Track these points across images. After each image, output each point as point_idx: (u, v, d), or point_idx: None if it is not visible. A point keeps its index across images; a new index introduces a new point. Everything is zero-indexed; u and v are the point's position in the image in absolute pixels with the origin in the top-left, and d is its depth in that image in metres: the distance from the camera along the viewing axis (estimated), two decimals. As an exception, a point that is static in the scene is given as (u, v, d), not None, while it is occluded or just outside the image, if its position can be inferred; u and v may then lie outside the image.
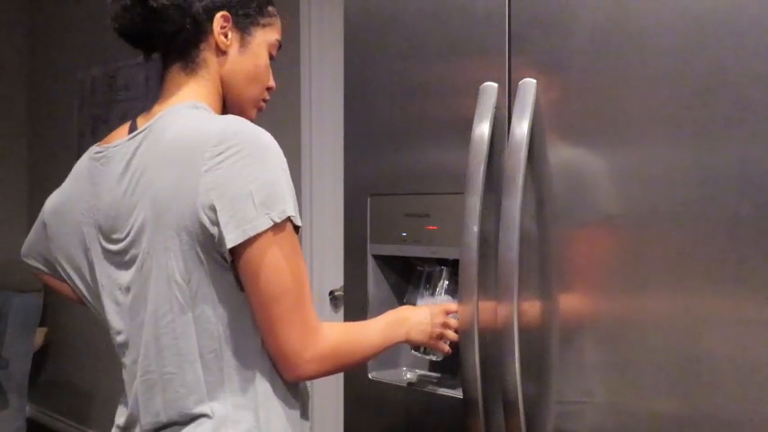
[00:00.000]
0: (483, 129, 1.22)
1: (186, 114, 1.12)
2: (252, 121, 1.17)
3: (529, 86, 1.18)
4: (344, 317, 1.52)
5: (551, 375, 1.17)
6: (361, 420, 1.51)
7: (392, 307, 1.32)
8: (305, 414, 1.16)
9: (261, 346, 1.09)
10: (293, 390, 1.14)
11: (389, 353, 1.32)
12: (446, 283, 1.36)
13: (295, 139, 2.81)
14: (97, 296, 1.20)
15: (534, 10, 1.19)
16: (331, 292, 2.73)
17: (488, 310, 1.23)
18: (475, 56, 1.28)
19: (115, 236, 1.14)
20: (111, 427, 1.22)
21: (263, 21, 1.21)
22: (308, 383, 1.19)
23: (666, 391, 1.05)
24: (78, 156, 1.28)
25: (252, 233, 1.02)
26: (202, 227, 1.04)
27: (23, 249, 1.34)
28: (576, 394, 1.15)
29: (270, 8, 1.23)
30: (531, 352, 1.18)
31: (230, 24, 1.17)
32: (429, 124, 1.36)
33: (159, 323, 1.09)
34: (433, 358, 1.36)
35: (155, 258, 1.08)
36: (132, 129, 1.17)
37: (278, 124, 2.75)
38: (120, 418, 1.20)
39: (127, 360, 1.16)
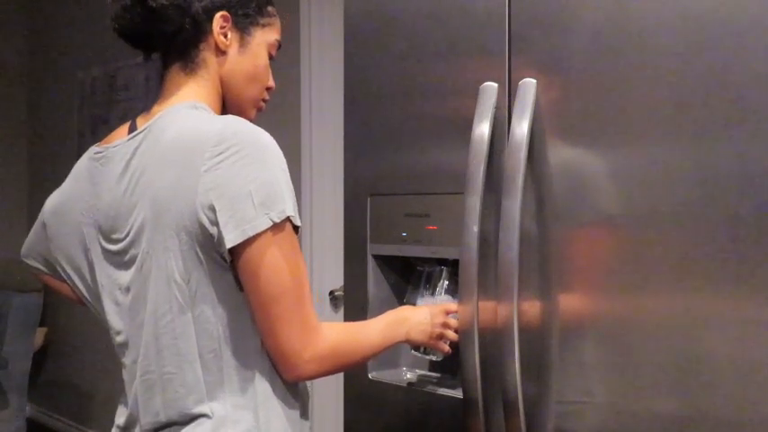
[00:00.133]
0: (483, 129, 1.22)
1: (186, 114, 1.12)
2: (251, 121, 1.17)
3: (529, 86, 1.18)
4: (344, 317, 1.52)
5: (551, 375, 1.17)
6: (361, 420, 1.51)
7: (392, 307, 1.32)
8: (305, 414, 1.16)
9: (260, 347, 1.09)
10: (293, 390, 1.14)
11: (389, 353, 1.32)
12: (446, 283, 1.36)
13: (295, 139, 2.81)
14: (97, 296, 1.20)
15: (534, 10, 1.19)
16: (331, 292, 2.73)
17: (488, 310, 1.23)
18: (475, 56, 1.28)
19: (115, 236, 1.14)
20: (111, 427, 1.22)
21: (262, 21, 1.21)
22: (308, 383, 1.19)
23: (666, 391, 1.05)
24: (78, 156, 1.28)
25: (251, 233, 1.02)
26: (202, 227, 1.04)
27: (23, 250, 1.34)
28: (576, 394, 1.15)
29: (269, 8, 1.23)
30: (531, 352, 1.18)
31: (230, 24, 1.18)
32: (429, 124, 1.36)
33: (159, 323, 1.09)
34: (434, 358, 1.36)
35: (154, 258, 1.08)
36: (132, 129, 1.17)
37: (278, 124, 2.75)
38: (120, 417, 1.20)
39: (127, 360, 1.16)
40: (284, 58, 1.30)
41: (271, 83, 1.26)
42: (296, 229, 1.08)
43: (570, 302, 1.16)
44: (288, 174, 1.08)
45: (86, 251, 1.21)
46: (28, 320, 3.92)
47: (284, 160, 1.08)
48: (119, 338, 1.17)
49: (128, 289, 1.13)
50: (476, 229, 1.21)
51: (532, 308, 1.19)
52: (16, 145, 4.76)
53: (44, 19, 4.66)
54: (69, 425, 4.38)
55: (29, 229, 1.31)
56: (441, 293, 1.36)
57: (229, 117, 1.11)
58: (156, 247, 1.08)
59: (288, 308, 1.06)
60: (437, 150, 1.34)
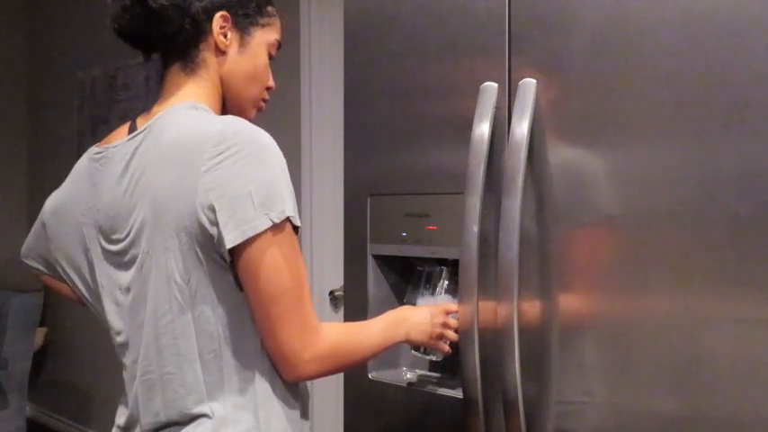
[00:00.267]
0: (483, 129, 1.22)
1: (185, 115, 1.12)
2: (251, 120, 1.17)
3: (529, 86, 1.18)
4: (344, 317, 1.52)
5: (551, 375, 1.17)
6: (361, 420, 1.51)
7: (392, 307, 1.32)
8: (305, 414, 1.16)
9: (260, 347, 1.09)
10: (293, 390, 1.14)
11: (389, 353, 1.32)
12: (446, 283, 1.36)
13: (295, 139, 2.81)
14: (97, 296, 1.20)
15: (534, 10, 1.19)
16: (331, 292, 2.73)
17: (488, 310, 1.23)
18: (475, 56, 1.28)
19: (115, 236, 1.14)
20: (112, 427, 1.22)
21: (262, 21, 1.21)
22: (308, 383, 1.19)
23: (666, 391, 1.05)
24: (78, 156, 1.28)
25: (251, 233, 1.02)
26: (201, 227, 1.04)
27: (23, 250, 1.34)
28: (575, 394, 1.15)
29: (269, 8, 1.23)
30: (531, 352, 1.18)
31: (230, 24, 1.18)
32: (429, 124, 1.36)
33: (159, 323, 1.09)
34: (434, 358, 1.36)
35: (154, 258, 1.08)
36: (132, 129, 1.17)
37: (278, 124, 2.75)
38: (121, 418, 1.20)
39: (127, 360, 1.16)
40: (284, 58, 1.30)
41: (271, 83, 1.26)
42: (296, 229, 1.08)
43: (570, 302, 1.16)
44: (288, 174, 1.08)
45: (86, 251, 1.21)
46: (28, 320, 3.92)
47: (284, 160, 1.08)
48: (119, 339, 1.17)
49: (128, 289, 1.13)
50: (476, 229, 1.21)
51: (532, 308, 1.19)
52: (16, 145, 4.76)
53: (44, 19, 4.66)
54: (69, 425, 4.38)
55: (29, 229, 1.31)
56: (441, 293, 1.36)
57: (229, 117, 1.11)
58: (156, 248, 1.08)
59: (288, 308, 1.06)
60: (437, 150, 1.34)
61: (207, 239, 1.04)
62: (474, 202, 1.21)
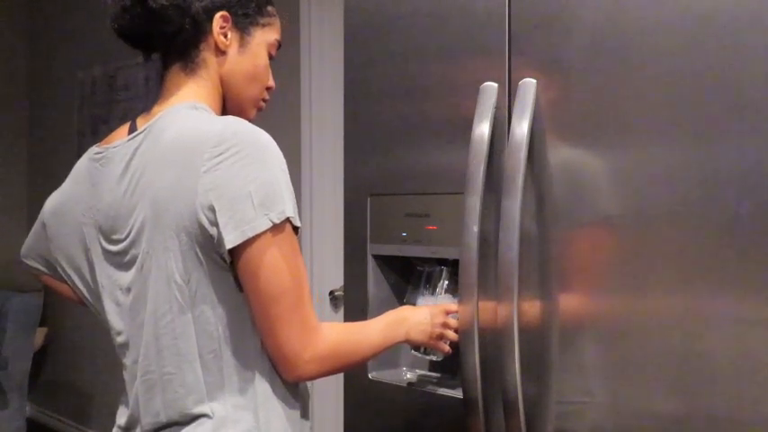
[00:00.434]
0: (483, 129, 1.22)
1: (185, 115, 1.12)
2: (251, 120, 1.17)
3: (529, 86, 1.18)
4: (344, 317, 1.52)
5: (551, 375, 1.17)
6: (361, 420, 1.51)
7: (392, 307, 1.32)
8: (305, 414, 1.16)
9: (260, 347, 1.09)
10: (293, 390, 1.14)
11: (389, 353, 1.32)
12: (446, 282, 1.36)
13: (295, 139, 2.81)
14: (98, 296, 1.20)
15: (534, 10, 1.19)
16: (331, 292, 2.73)
17: (488, 310, 1.23)
18: (475, 56, 1.28)
19: (115, 236, 1.14)
20: (112, 427, 1.22)
21: (262, 21, 1.21)
22: (309, 384, 1.19)
23: (666, 391, 1.05)
24: (78, 156, 1.28)
25: (251, 234, 1.02)
26: (201, 227, 1.04)
27: (23, 250, 1.34)
28: (576, 394, 1.15)
29: (269, 8, 1.23)
30: (531, 352, 1.18)
31: (230, 24, 1.18)
32: (429, 124, 1.36)
33: (159, 323, 1.09)
34: (434, 358, 1.36)
35: (154, 258, 1.08)
36: (132, 129, 1.17)
37: (278, 124, 2.75)
38: (122, 418, 1.20)
39: (127, 360, 1.16)
40: (284, 58, 1.30)
41: (271, 83, 1.26)
42: (296, 229, 1.08)
43: (570, 302, 1.16)
44: (287, 174, 1.08)
45: (87, 251, 1.21)
46: (28, 320, 3.92)
47: (284, 161, 1.08)
48: (119, 339, 1.17)
49: (128, 289, 1.13)
50: (476, 229, 1.21)
51: (532, 308, 1.19)
52: (16, 145, 4.76)
53: (44, 19, 4.66)
54: (69, 425, 4.38)
55: (29, 230, 1.31)
56: (441, 293, 1.36)
57: (229, 117, 1.11)
58: (156, 248, 1.08)
59: (287, 308, 1.06)
60: (437, 150, 1.34)
61: (207, 240, 1.04)
62: (474, 202, 1.21)
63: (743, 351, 0.98)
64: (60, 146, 4.40)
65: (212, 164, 1.03)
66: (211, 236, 1.03)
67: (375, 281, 1.45)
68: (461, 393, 1.24)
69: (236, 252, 1.04)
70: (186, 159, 1.05)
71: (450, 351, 1.29)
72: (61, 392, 4.47)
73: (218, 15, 1.16)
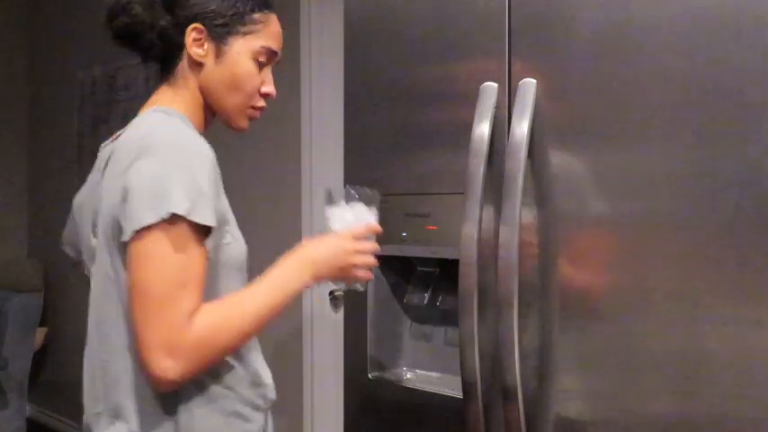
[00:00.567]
0: (483, 129, 1.22)
1: (141, 121, 1.16)
2: (242, 129, 1.23)
3: (529, 86, 1.18)
4: (344, 317, 1.52)
5: (551, 375, 1.17)
6: (361, 420, 1.51)
7: (392, 306, 1.32)
8: (235, 411, 1.14)
9: None
10: (216, 386, 1.12)
11: (390, 353, 1.32)
12: (354, 193, 1.25)
13: (295, 140, 2.81)
14: None
15: (534, 10, 1.19)
16: (331, 292, 2.73)
17: (488, 310, 1.23)
18: (475, 56, 1.28)
19: (95, 230, 1.19)
20: (111, 427, 1.23)
21: (243, 29, 1.20)
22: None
23: (666, 391, 1.05)
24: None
25: (136, 227, 1.04)
26: (119, 223, 1.07)
27: (62, 237, 1.37)
28: (576, 394, 1.15)
29: (254, 15, 1.21)
30: (531, 352, 1.18)
31: (204, 36, 1.19)
32: (429, 124, 1.36)
33: (99, 313, 1.15)
34: (359, 288, 1.27)
35: (99, 252, 1.14)
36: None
37: (278, 125, 2.75)
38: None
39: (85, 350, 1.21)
40: (284, 59, 1.29)
41: (266, 89, 1.23)
42: (204, 229, 1.06)
43: (570, 302, 1.16)
44: (207, 175, 1.06)
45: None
46: (28, 320, 3.91)
47: (205, 163, 1.07)
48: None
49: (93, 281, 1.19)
50: (476, 229, 1.21)
51: (532, 308, 1.19)
52: (16, 145, 4.76)
53: (44, 19, 4.66)
54: (69, 425, 4.38)
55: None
56: (355, 206, 1.25)
57: (157, 121, 1.14)
58: (101, 241, 1.14)
59: (151, 308, 1.03)
60: (437, 150, 1.34)
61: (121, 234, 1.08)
62: (474, 202, 1.21)
63: (743, 351, 0.98)
64: (60, 146, 4.39)
65: (130, 163, 1.07)
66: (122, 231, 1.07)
67: (375, 281, 1.45)
68: (461, 393, 1.24)
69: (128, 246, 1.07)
70: (123, 162, 1.09)
71: (371, 277, 1.24)
72: (61, 392, 4.47)
73: (189, 28, 1.18)
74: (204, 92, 1.21)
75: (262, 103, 1.24)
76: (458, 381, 1.25)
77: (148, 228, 1.03)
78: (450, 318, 1.38)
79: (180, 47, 1.19)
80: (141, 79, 3.73)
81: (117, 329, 1.12)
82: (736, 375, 0.99)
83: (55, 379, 4.53)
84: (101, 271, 1.14)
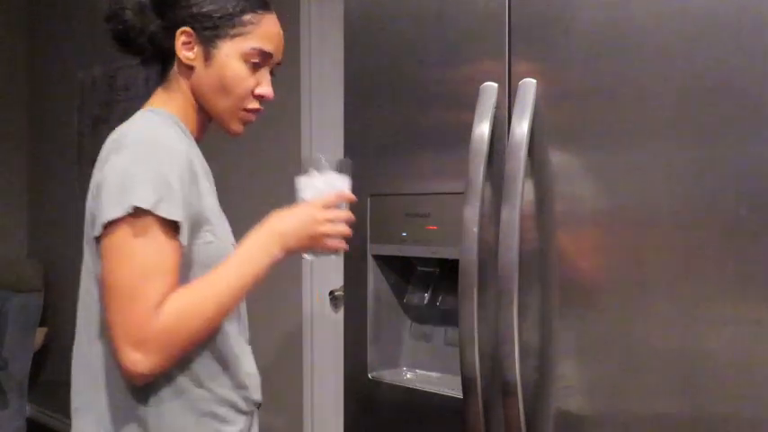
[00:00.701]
0: (483, 129, 1.22)
1: (132, 120, 1.17)
2: (236, 133, 1.22)
3: (529, 86, 1.18)
4: (344, 317, 1.52)
5: (551, 375, 1.17)
6: (361, 420, 1.51)
7: (392, 306, 1.32)
8: (211, 410, 1.14)
9: None
10: (193, 385, 1.13)
11: (390, 353, 1.32)
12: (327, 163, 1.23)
13: (295, 140, 2.81)
14: None
15: (534, 10, 1.19)
16: (331, 292, 2.73)
17: (488, 309, 1.23)
18: (475, 56, 1.28)
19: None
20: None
21: (232, 31, 1.19)
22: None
23: (667, 391, 1.05)
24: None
25: (104, 221, 1.05)
26: (95, 220, 1.09)
27: None
28: (576, 393, 1.15)
29: (246, 17, 1.20)
30: (531, 352, 1.18)
31: (194, 39, 1.19)
32: (429, 124, 1.36)
33: (83, 307, 1.16)
34: (333, 257, 1.22)
35: (84, 249, 1.17)
36: None
37: (278, 125, 2.75)
38: None
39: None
40: (284, 59, 1.29)
41: (260, 91, 1.22)
42: (173, 224, 1.05)
43: (570, 302, 1.16)
44: (176, 172, 1.07)
45: None
46: (28, 320, 3.91)
47: (176, 160, 1.08)
48: None
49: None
50: (476, 229, 1.21)
51: (532, 308, 1.19)
52: (16, 145, 4.76)
53: (44, 19, 4.66)
54: (69, 425, 4.38)
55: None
56: (326, 173, 1.22)
57: (139, 120, 1.16)
58: (84, 238, 1.16)
59: (120, 301, 1.04)
60: (437, 150, 1.34)
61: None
62: (474, 202, 1.21)
63: (743, 351, 0.98)
64: (60, 146, 4.39)
65: (106, 160, 1.09)
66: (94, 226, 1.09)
67: (375, 281, 1.46)
68: (461, 393, 1.24)
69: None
70: (102, 158, 1.11)
71: (346, 248, 1.21)
72: (61, 392, 4.46)
73: (179, 32, 1.19)
74: (196, 95, 1.21)
75: (255, 105, 1.22)
76: (458, 381, 1.25)
77: (116, 222, 1.04)
78: (450, 318, 1.38)
79: (172, 50, 1.20)
80: (141, 79, 3.73)
81: (96, 325, 1.14)
82: (736, 376, 0.99)
83: (55, 379, 4.53)
84: (85, 267, 1.17)
